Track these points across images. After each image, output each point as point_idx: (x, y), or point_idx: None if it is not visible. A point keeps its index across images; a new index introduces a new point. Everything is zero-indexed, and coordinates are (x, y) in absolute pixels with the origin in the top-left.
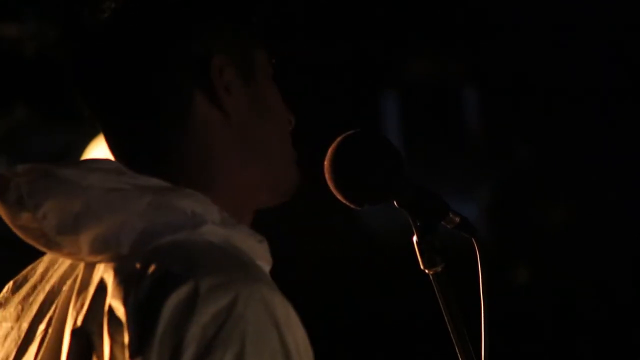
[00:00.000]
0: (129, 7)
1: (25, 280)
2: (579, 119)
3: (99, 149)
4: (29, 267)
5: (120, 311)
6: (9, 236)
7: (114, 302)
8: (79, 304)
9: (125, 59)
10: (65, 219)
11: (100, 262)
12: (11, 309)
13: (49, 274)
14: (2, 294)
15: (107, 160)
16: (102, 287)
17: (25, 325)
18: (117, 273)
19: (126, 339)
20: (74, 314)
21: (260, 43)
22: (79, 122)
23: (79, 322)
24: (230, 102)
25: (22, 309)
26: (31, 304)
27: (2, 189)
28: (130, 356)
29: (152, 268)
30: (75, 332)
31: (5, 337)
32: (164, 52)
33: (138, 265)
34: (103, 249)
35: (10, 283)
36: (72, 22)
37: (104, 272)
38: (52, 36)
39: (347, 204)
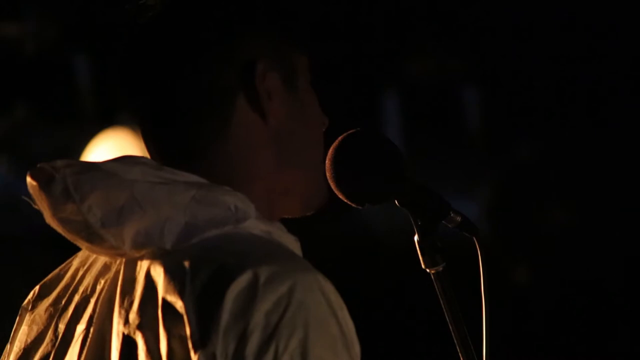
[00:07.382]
0: (176, 7)
1: (54, 283)
2: (579, 118)
3: (99, 149)
4: (56, 271)
5: (177, 305)
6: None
7: (169, 297)
8: (126, 302)
9: (171, 56)
10: (110, 212)
11: (142, 257)
12: (41, 312)
13: (81, 275)
14: (28, 298)
15: (143, 157)
16: (150, 283)
17: (62, 327)
18: (166, 268)
19: (187, 332)
20: (122, 312)
21: (303, 48)
22: (79, 122)
23: (130, 320)
24: (271, 107)
25: (55, 311)
26: (65, 305)
27: (48, 181)
28: (194, 347)
29: (205, 261)
30: (126, 329)
31: (37, 339)
32: (211, 52)
33: (188, 259)
34: (145, 242)
35: (37, 287)
36: (119, 19)
37: (150, 269)
38: (52, 36)
39: (348, 203)
